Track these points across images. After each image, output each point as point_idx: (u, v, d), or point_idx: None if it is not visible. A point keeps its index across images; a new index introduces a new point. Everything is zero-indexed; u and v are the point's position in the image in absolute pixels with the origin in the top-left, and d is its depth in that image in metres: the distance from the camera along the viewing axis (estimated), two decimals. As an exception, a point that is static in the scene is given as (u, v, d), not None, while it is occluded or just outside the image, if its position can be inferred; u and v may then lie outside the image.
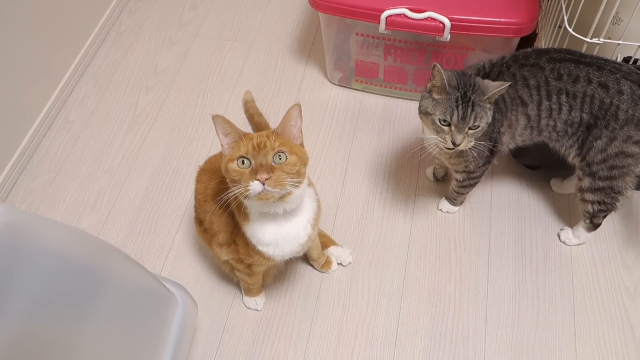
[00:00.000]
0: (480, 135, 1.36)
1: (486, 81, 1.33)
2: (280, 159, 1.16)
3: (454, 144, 1.33)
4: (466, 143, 1.34)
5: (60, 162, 1.92)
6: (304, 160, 1.21)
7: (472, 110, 1.30)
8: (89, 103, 2.09)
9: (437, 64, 1.30)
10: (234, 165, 1.16)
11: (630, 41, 1.45)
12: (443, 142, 1.36)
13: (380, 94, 2.06)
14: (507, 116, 1.45)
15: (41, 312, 0.94)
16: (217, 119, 1.18)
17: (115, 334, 1.11)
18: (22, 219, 0.95)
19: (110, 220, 1.79)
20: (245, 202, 1.21)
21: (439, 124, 1.33)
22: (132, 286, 1.18)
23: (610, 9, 1.38)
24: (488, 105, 1.33)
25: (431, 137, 1.40)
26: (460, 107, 1.30)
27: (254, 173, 1.13)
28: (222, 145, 1.21)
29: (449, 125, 1.33)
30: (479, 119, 1.31)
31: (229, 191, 1.18)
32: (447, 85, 1.30)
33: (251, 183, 1.13)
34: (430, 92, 1.36)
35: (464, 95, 1.30)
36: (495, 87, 1.30)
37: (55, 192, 1.85)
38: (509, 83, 1.30)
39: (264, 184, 1.12)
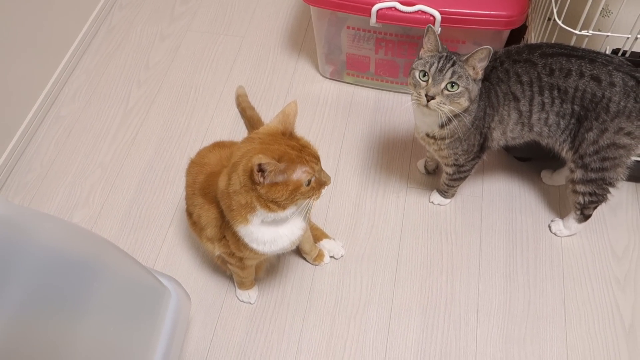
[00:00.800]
0: (459, 100, 1.34)
1: None
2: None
3: (426, 96, 1.33)
4: (439, 102, 1.33)
5: (52, 157, 1.92)
6: None
7: (451, 66, 1.32)
8: (81, 98, 2.08)
9: (431, 25, 1.35)
10: (305, 189, 1.18)
11: (619, 33, 1.46)
12: (417, 97, 1.36)
13: (371, 87, 2.06)
14: (499, 111, 1.46)
15: (35, 305, 0.94)
16: (255, 161, 1.10)
17: (108, 327, 1.11)
18: (15, 212, 0.96)
19: (103, 214, 1.79)
20: (275, 214, 1.20)
21: (418, 77, 1.35)
22: (126, 279, 1.19)
23: (599, 1, 1.39)
24: (470, 72, 1.34)
25: (414, 106, 1.42)
26: (440, 61, 1.33)
27: (322, 183, 1.23)
28: (257, 178, 1.14)
29: (427, 81, 1.34)
30: (456, 76, 1.32)
31: (304, 201, 1.21)
32: (439, 45, 1.34)
33: (323, 191, 1.24)
34: (420, 58, 1.39)
35: (447, 56, 1.34)
36: (474, 51, 1.31)
37: (48, 187, 1.85)
38: (488, 47, 1.31)
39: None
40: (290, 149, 1.17)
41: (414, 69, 1.37)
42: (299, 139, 1.22)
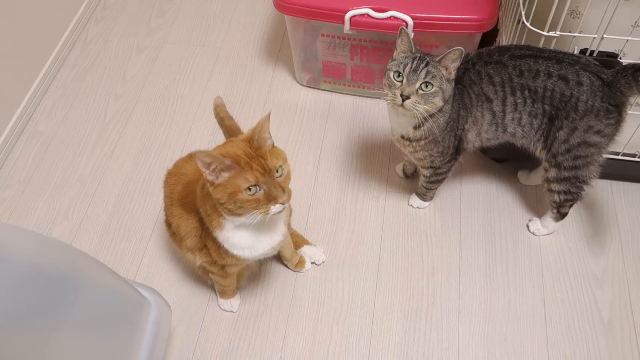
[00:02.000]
0: (434, 99, 1.36)
1: None
2: (281, 172, 1.19)
3: (402, 95, 1.35)
4: (414, 102, 1.35)
5: (30, 173, 1.91)
6: (287, 161, 1.23)
7: (425, 66, 1.34)
8: (58, 112, 2.08)
9: (404, 27, 1.38)
10: (244, 196, 1.15)
11: (588, 33, 1.48)
12: (392, 98, 1.37)
13: (348, 93, 2.08)
14: (472, 112, 1.48)
15: (10, 320, 0.94)
16: (198, 155, 1.12)
17: (87, 340, 1.11)
18: (-13, 227, 0.95)
19: (82, 228, 1.78)
20: (233, 218, 1.21)
21: (392, 78, 1.37)
22: (103, 291, 1.18)
23: (565, 2, 1.41)
24: (444, 72, 1.36)
25: (389, 107, 1.43)
26: (414, 62, 1.35)
27: (273, 199, 1.16)
28: (208, 177, 1.16)
29: (401, 81, 1.36)
30: (430, 76, 1.34)
31: (246, 216, 1.19)
32: (412, 46, 1.37)
33: (272, 207, 1.17)
34: (394, 59, 1.41)
35: (421, 57, 1.36)
36: (447, 52, 1.34)
37: (26, 203, 1.84)
38: (460, 48, 1.33)
39: (283, 204, 1.17)
40: (244, 155, 1.16)
41: (388, 70, 1.39)
42: (259, 149, 1.18)
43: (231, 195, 1.15)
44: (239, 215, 1.19)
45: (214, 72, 2.18)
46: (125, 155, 1.95)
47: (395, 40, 1.40)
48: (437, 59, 1.35)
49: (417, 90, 1.34)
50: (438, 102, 1.36)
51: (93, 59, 2.24)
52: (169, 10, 2.40)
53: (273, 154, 1.19)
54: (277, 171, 1.18)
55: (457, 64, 1.36)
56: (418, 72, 1.34)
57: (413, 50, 1.38)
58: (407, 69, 1.35)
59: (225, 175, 1.15)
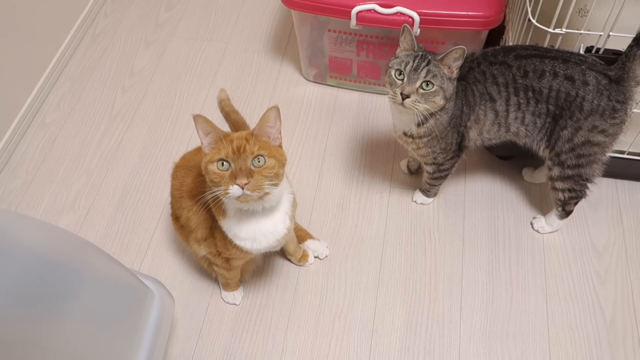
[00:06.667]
0: (434, 98, 1.36)
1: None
2: (259, 162, 1.18)
3: (402, 94, 1.35)
4: (414, 100, 1.35)
5: (38, 164, 1.93)
6: (282, 162, 1.23)
7: (426, 65, 1.34)
8: (66, 105, 2.09)
9: (407, 25, 1.36)
10: (213, 167, 1.18)
11: (594, 31, 1.48)
12: (393, 96, 1.38)
13: (354, 89, 2.08)
14: (475, 110, 1.48)
15: (15, 306, 0.95)
16: (197, 118, 1.18)
17: (90, 328, 1.12)
18: (-7, 215, 0.97)
19: (88, 219, 1.80)
20: (224, 199, 1.23)
21: (394, 76, 1.37)
22: (107, 280, 1.20)
23: (571, 0, 1.41)
24: (445, 71, 1.36)
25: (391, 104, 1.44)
26: (416, 60, 1.35)
27: (234, 177, 1.16)
28: (202, 144, 1.22)
29: (403, 79, 1.36)
30: (431, 75, 1.34)
31: (210, 192, 1.20)
32: (415, 44, 1.36)
33: (231, 187, 1.17)
34: (397, 56, 1.41)
35: (423, 55, 1.36)
36: (449, 50, 1.34)
37: (34, 193, 1.86)
38: (462, 47, 1.33)
39: (243, 188, 1.16)
40: (236, 136, 1.20)
41: (390, 67, 1.39)
42: (249, 132, 1.21)
43: (206, 164, 1.19)
44: (211, 186, 1.21)
45: (221, 66, 2.19)
46: (131, 148, 1.96)
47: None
48: (439, 57, 1.35)
49: (417, 89, 1.35)
50: (439, 101, 1.37)
51: (101, 52, 2.26)
52: (177, 4, 2.41)
53: (261, 143, 1.20)
54: (257, 159, 1.18)
55: (459, 62, 1.36)
56: (419, 71, 1.34)
57: (415, 49, 1.38)
58: (409, 67, 1.35)
59: (213, 146, 1.20)
